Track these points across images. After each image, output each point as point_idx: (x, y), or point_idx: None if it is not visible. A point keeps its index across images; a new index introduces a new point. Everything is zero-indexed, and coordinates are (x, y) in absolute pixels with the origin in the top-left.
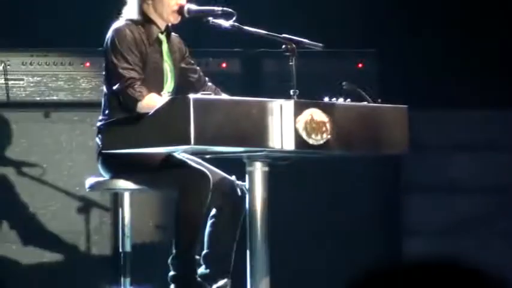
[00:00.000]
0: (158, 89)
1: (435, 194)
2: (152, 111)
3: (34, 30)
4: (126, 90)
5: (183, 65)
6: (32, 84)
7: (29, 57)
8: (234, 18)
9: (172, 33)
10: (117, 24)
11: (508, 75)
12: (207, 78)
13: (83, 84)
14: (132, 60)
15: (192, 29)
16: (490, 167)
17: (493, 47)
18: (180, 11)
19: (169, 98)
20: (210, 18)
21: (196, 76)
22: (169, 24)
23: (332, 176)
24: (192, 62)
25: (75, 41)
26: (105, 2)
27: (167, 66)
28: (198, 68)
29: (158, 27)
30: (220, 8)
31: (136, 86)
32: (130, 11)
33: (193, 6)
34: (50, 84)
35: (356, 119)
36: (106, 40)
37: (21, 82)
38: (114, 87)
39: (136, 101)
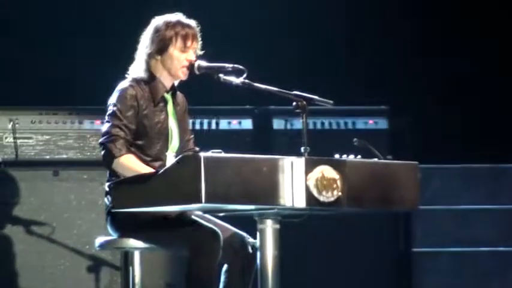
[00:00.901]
0: (163, 149)
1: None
2: (163, 170)
3: (43, 89)
4: (108, 144)
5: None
6: (41, 143)
7: (38, 116)
8: (244, 75)
9: (179, 92)
10: (122, 84)
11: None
12: (192, 140)
13: (93, 143)
14: (125, 119)
15: (202, 86)
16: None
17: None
18: (191, 67)
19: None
20: (221, 75)
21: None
22: (175, 83)
23: (343, 231)
24: (186, 121)
25: (84, 99)
26: (116, 60)
27: (172, 126)
28: (190, 130)
29: (164, 86)
30: (230, 65)
31: (118, 143)
32: (137, 68)
33: (204, 63)
34: (59, 143)
35: (367, 176)
36: (110, 98)
37: (30, 140)
38: (100, 140)
39: (113, 157)
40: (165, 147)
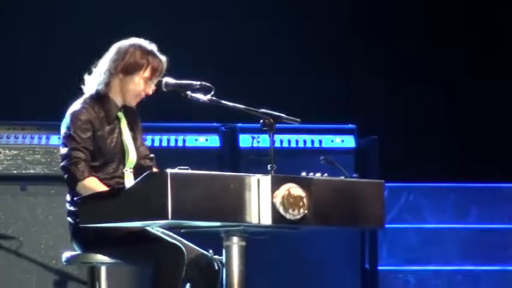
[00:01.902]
0: (120, 166)
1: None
2: (130, 186)
3: (11, 104)
4: (70, 168)
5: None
6: (8, 158)
7: (6, 131)
8: (212, 93)
9: (130, 106)
10: (73, 107)
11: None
12: (149, 155)
13: (60, 157)
14: (82, 141)
15: (169, 103)
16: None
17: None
18: (158, 84)
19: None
20: (188, 92)
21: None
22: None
23: (309, 248)
24: (140, 135)
25: (52, 114)
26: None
27: (127, 143)
28: (142, 140)
29: (116, 104)
30: (198, 83)
31: (80, 165)
32: (94, 81)
33: (171, 80)
34: (26, 158)
35: (333, 194)
36: (63, 121)
37: None
38: (61, 164)
39: (77, 180)
40: (122, 164)
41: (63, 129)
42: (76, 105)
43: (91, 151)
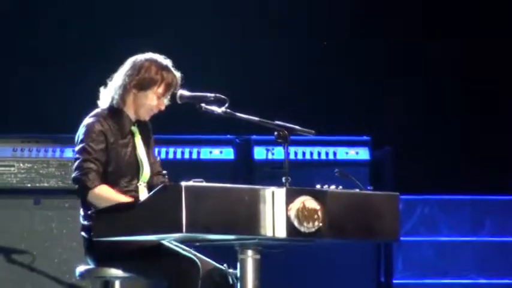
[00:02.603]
0: (134, 180)
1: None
2: (144, 199)
3: (25, 117)
4: (81, 178)
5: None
6: (22, 171)
7: (20, 144)
8: (226, 105)
9: (144, 121)
10: (88, 119)
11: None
12: (162, 171)
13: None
14: (95, 153)
15: (183, 115)
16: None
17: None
18: (173, 97)
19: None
20: (203, 105)
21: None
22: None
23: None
24: (152, 149)
25: (66, 127)
26: (96, 89)
27: (141, 157)
28: (155, 156)
29: (130, 119)
30: (212, 95)
31: (90, 175)
32: (109, 95)
33: (186, 92)
34: (40, 171)
35: (348, 207)
36: (78, 133)
37: (12, 168)
38: (72, 175)
39: (88, 189)
40: (136, 178)
41: (76, 141)
42: (90, 118)
43: (103, 163)
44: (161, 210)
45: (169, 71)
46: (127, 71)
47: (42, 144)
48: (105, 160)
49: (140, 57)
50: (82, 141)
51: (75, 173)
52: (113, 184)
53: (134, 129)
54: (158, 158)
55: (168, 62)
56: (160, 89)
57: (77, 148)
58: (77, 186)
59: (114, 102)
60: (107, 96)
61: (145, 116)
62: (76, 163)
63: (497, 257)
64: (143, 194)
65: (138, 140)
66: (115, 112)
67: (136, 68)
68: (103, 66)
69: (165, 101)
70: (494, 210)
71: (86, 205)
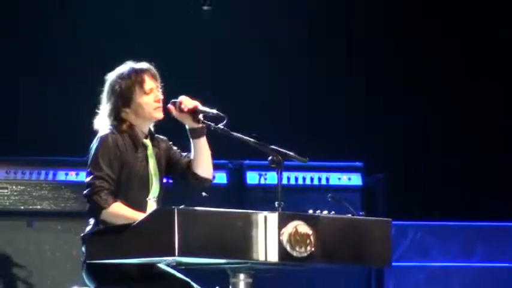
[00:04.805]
0: (144, 194)
1: None
2: (137, 222)
3: (19, 140)
4: (93, 197)
5: (171, 158)
6: (15, 193)
7: (13, 166)
8: (224, 122)
9: (157, 136)
10: (102, 132)
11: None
12: (183, 154)
13: (67, 194)
14: (107, 170)
15: (175, 138)
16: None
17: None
18: (173, 103)
19: (155, 204)
20: (200, 117)
21: (182, 161)
22: (152, 128)
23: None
24: (175, 150)
25: (59, 150)
26: (90, 112)
27: (152, 171)
28: (180, 152)
29: (142, 132)
30: (212, 111)
31: (103, 194)
32: (105, 123)
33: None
34: (33, 193)
35: (340, 232)
36: (90, 147)
37: (5, 191)
38: (84, 192)
39: (101, 208)
40: (146, 193)
41: (90, 154)
42: (104, 131)
43: (115, 179)
44: (154, 234)
45: (134, 70)
46: (107, 97)
47: (36, 167)
48: (117, 174)
49: (110, 76)
50: (95, 153)
51: (87, 190)
52: (122, 197)
53: (147, 142)
54: (185, 154)
55: (128, 65)
56: (142, 89)
57: (89, 160)
58: (88, 204)
59: (116, 123)
60: (104, 123)
61: (155, 115)
62: (88, 179)
63: (488, 282)
64: (152, 209)
65: (151, 153)
66: (126, 127)
67: (111, 90)
68: (94, 89)
69: (156, 92)
70: (485, 236)
71: (96, 222)
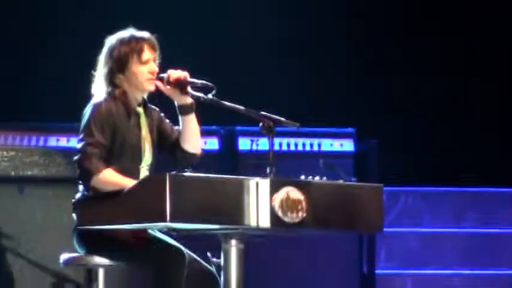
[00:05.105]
0: (136, 162)
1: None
2: (128, 188)
3: (9, 105)
4: (84, 163)
5: (163, 131)
6: (6, 159)
7: (3, 132)
8: (213, 92)
9: (149, 105)
10: (96, 99)
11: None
12: (175, 128)
13: (58, 160)
14: (99, 136)
15: (169, 105)
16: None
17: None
18: (160, 78)
19: (147, 172)
20: (189, 89)
21: (173, 135)
22: (145, 97)
23: (306, 251)
24: (167, 123)
25: (51, 116)
26: (82, 78)
27: (145, 140)
28: (171, 126)
29: (136, 99)
30: (200, 81)
31: (94, 160)
32: (100, 88)
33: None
34: (24, 159)
35: (332, 197)
36: (83, 113)
37: None
38: (74, 158)
39: (91, 174)
40: (139, 161)
41: (82, 121)
42: (98, 98)
43: (107, 146)
44: (145, 200)
45: (134, 39)
46: (104, 60)
47: (26, 132)
48: (110, 141)
49: (110, 40)
50: (87, 121)
51: (78, 156)
52: (115, 164)
53: (140, 110)
54: (175, 127)
55: (130, 32)
56: (139, 58)
57: (81, 126)
58: (78, 169)
59: (110, 89)
60: (99, 87)
61: (147, 86)
62: (80, 145)
63: (480, 248)
64: None
65: (144, 122)
66: (119, 94)
67: (109, 54)
68: (86, 52)
69: (152, 63)
70: (477, 201)
71: (86, 189)
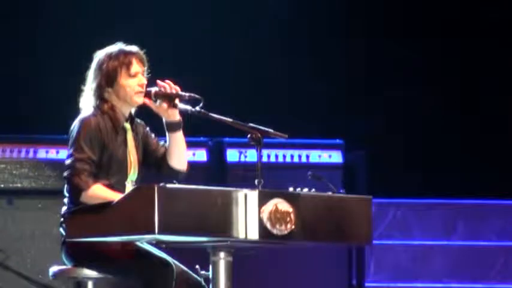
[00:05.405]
0: (122, 178)
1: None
2: (117, 200)
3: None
4: (73, 178)
5: (148, 146)
6: None
7: None
8: (200, 104)
9: (136, 120)
10: (84, 114)
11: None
12: (160, 143)
13: (47, 172)
14: (88, 152)
15: (157, 117)
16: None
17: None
18: (148, 93)
19: (133, 188)
20: (177, 102)
21: (159, 151)
22: (133, 111)
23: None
24: (153, 138)
25: (40, 128)
26: (72, 90)
27: (131, 156)
28: (157, 141)
29: (123, 115)
30: (187, 94)
31: (83, 176)
32: (89, 102)
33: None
34: (14, 171)
35: (320, 209)
36: (71, 128)
37: None
38: (64, 174)
39: (81, 190)
40: (124, 177)
41: (71, 134)
42: (86, 113)
43: (95, 161)
44: (134, 212)
45: (122, 52)
46: (92, 74)
47: (16, 145)
48: (99, 157)
49: (99, 54)
50: (77, 136)
51: (67, 172)
52: (102, 179)
53: (127, 125)
54: (162, 143)
55: (118, 46)
56: (127, 71)
57: (70, 142)
58: (68, 186)
59: (98, 103)
60: (88, 102)
61: (136, 100)
62: (68, 161)
63: (469, 261)
64: None
65: (130, 138)
66: (107, 109)
67: (98, 68)
68: (76, 69)
69: (141, 77)
70: (466, 214)
71: (75, 202)
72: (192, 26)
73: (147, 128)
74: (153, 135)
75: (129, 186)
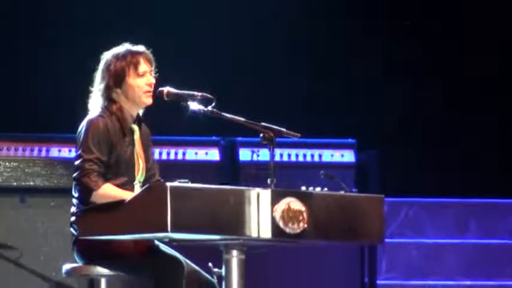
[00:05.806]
0: (130, 179)
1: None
2: (129, 199)
3: (11, 116)
4: (82, 179)
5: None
6: (8, 169)
7: (6, 142)
8: (213, 104)
9: (143, 124)
10: (91, 115)
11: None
12: (156, 174)
13: (60, 170)
14: (97, 152)
15: (169, 116)
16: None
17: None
18: (160, 93)
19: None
20: (189, 103)
21: (149, 171)
22: (140, 113)
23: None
24: (151, 153)
25: (52, 127)
26: (83, 89)
27: (138, 157)
28: (153, 160)
29: (131, 115)
30: (200, 93)
31: (92, 176)
32: (97, 103)
33: (173, 90)
34: (26, 170)
35: (333, 208)
36: (79, 130)
37: None
38: (73, 175)
39: (91, 190)
40: (132, 178)
41: (79, 136)
42: (94, 114)
43: (105, 162)
44: (146, 210)
45: (129, 53)
46: (100, 75)
47: (29, 143)
48: (107, 158)
49: (106, 55)
50: (85, 137)
51: (77, 173)
52: (111, 180)
53: (134, 127)
54: (156, 164)
55: (125, 47)
56: (135, 71)
57: (79, 143)
58: (78, 186)
59: (107, 104)
60: (96, 103)
61: (145, 100)
62: (77, 162)
63: (481, 259)
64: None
65: (137, 138)
66: (115, 110)
67: (105, 69)
68: (90, 67)
69: (149, 76)
70: (478, 212)
71: (85, 202)
72: (192, 26)
73: (151, 138)
74: (153, 148)
75: (138, 188)
